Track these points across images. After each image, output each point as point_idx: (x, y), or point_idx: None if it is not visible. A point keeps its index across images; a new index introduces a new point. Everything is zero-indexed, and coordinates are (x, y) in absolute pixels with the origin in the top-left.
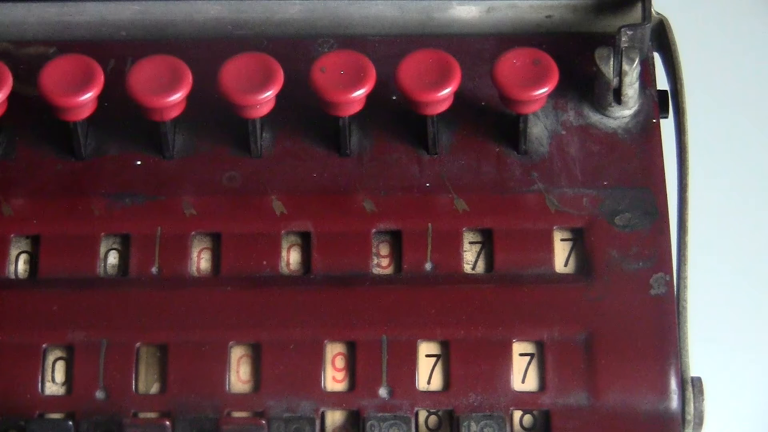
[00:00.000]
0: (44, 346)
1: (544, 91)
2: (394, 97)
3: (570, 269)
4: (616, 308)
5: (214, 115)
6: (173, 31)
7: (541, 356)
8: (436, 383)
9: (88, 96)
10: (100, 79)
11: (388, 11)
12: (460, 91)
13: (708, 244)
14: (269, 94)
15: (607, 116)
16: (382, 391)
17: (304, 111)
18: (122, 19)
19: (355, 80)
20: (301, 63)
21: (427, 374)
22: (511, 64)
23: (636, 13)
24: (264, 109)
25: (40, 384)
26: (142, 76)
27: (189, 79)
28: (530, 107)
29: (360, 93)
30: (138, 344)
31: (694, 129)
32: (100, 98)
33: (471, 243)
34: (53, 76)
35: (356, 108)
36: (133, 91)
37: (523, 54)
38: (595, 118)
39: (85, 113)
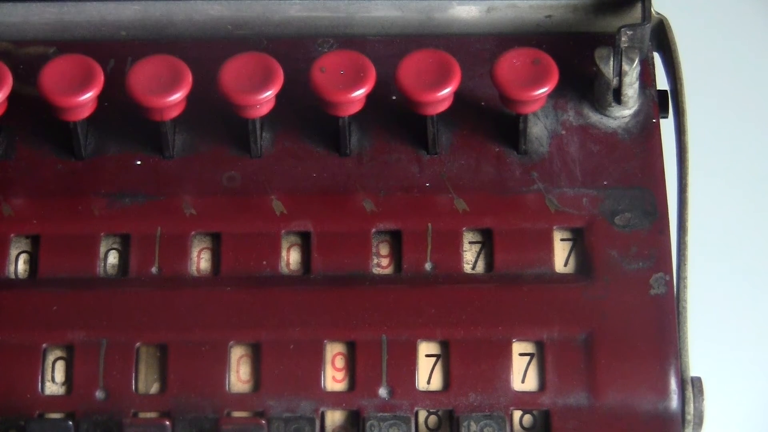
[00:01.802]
0: (44, 345)
1: (544, 90)
2: (394, 97)
3: (570, 269)
4: (616, 308)
5: (214, 115)
6: (173, 31)
7: (541, 356)
8: (436, 383)
9: (88, 96)
10: (100, 79)
11: (387, 11)
12: (459, 91)
13: (708, 244)
14: (269, 94)
15: (607, 116)
16: (382, 391)
17: (304, 111)
18: (122, 19)
19: (355, 80)
20: (301, 63)
21: (427, 374)
22: (511, 64)
23: (636, 13)
24: (264, 109)
25: (39, 384)
26: (142, 76)
27: (189, 78)
28: (530, 107)
29: (360, 93)
30: (138, 344)
31: (693, 129)
32: (100, 98)
33: (471, 243)
34: (53, 76)
35: (356, 108)
36: (132, 90)
37: (523, 54)
38: (595, 118)
39: (85, 113)
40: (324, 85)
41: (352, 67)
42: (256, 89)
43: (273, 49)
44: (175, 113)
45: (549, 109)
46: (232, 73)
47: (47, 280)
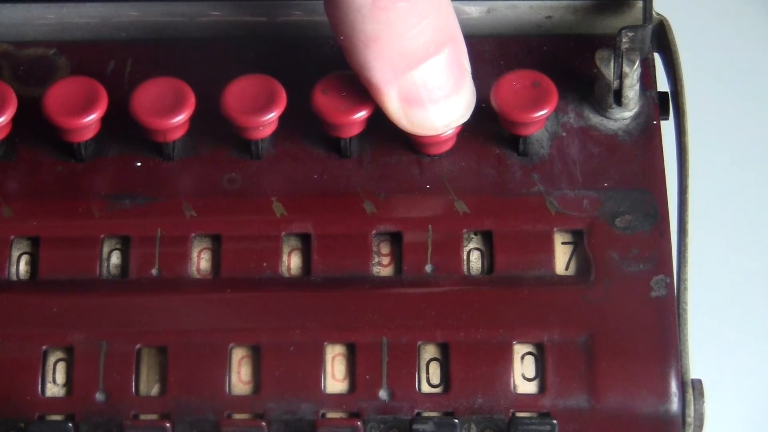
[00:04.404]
0: (44, 347)
1: (543, 113)
2: None
3: (570, 271)
4: (617, 310)
5: (214, 116)
6: (173, 32)
7: (541, 358)
8: (437, 385)
9: (91, 118)
10: (104, 103)
11: None
12: None
13: (708, 246)
14: (272, 116)
15: (607, 118)
16: (382, 393)
17: (304, 113)
18: (122, 20)
19: (356, 102)
20: (302, 64)
21: (427, 376)
22: (511, 87)
23: (636, 14)
24: (267, 131)
25: (40, 385)
26: (146, 99)
27: (192, 101)
28: (530, 129)
29: (361, 115)
30: (138, 346)
31: (694, 130)
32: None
33: (471, 244)
34: (56, 103)
35: (358, 129)
36: (136, 113)
37: (522, 76)
38: (595, 119)
39: (89, 135)
40: (326, 109)
41: (354, 88)
42: (259, 112)
43: (273, 51)
44: (178, 135)
45: None
46: (236, 96)
47: (47, 282)
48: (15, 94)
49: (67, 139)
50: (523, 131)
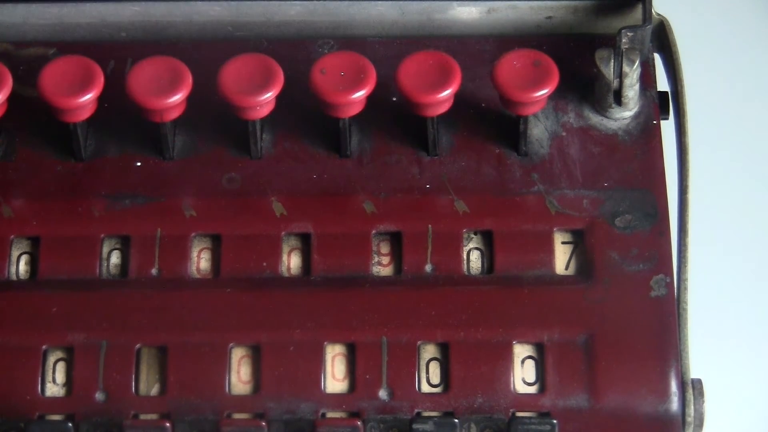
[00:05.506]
0: (44, 347)
1: (544, 92)
2: (395, 99)
3: (570, 271)
4: (617, 310)
5: (214, 116)
6: (173, 32)
7: (541, 358)
8: (436, 385)
9: (88, 97)
10: (100, 80)
11: (388, 12)
12: (460, 93)
13: (708, 246)
14: (269, 96)
15: (607, 118)
16: (382, 393)
17: (304, 112)
18: (122, 21)
19: (356, 82)
20: (301, 64)
21: (427, 376)
22: (512, 66)
23: (636, 15)
24: (264, 111)
25: (40, 385)
26: (142, 77)
27: (189, 80)
28: (530, 109)
29: (360, 94)
30: (138, 346)
31: (694, 130)
32: (100, 99)
33: (471, 244)
34: (53, 78)
35: (357, 109)
36: (132, 92)
37: (524, 55)
38: (595, 119)
39: (85, 114)
40: (324, 87)
41: (353, 68)
42: (257, 91)
43: (273, 51)
44: (174, 115)
45: (549, 111)
46: (233, 74)
47: (47, 282)
48: (11, 78)
49: (65, 119)
50: (523, 111)
